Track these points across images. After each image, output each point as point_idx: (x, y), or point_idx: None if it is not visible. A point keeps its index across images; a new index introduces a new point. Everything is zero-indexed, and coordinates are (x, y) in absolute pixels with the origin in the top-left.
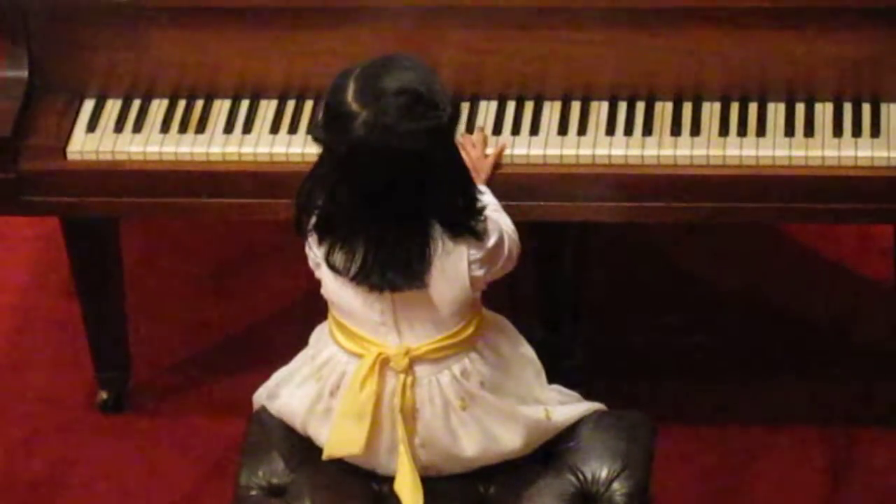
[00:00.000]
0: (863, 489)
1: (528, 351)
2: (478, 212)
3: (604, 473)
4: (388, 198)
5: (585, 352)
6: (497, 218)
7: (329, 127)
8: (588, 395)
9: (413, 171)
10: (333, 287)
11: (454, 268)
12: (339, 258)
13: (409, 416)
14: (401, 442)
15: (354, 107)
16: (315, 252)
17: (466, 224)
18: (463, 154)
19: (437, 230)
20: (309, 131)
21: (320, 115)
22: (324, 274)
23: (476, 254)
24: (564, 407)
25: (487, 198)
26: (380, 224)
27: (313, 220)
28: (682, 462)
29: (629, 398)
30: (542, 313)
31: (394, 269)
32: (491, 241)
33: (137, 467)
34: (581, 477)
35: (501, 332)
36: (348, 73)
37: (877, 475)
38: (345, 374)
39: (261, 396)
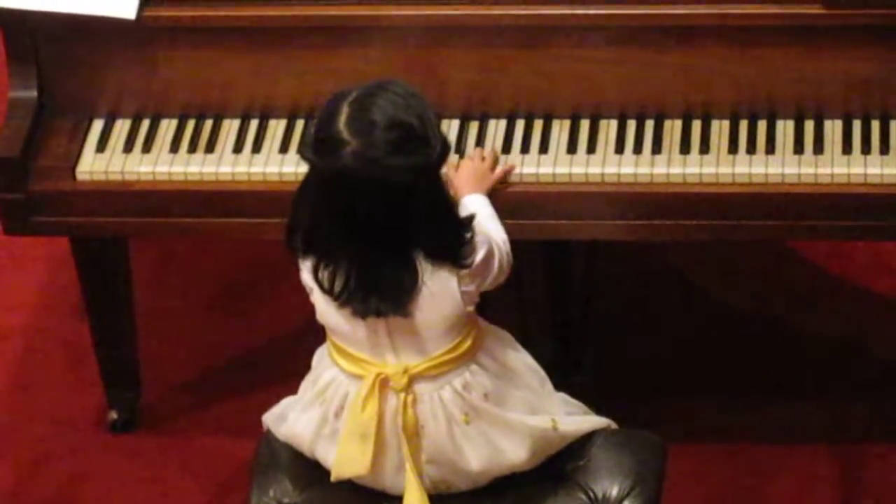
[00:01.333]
0: None
1: (530, 359)
2: (464, 240)
3: (614, 492)
4: (371, 226)
5: (596, 369)
6: (488, 229)
7: (318, 149)
8: (598, 413)
9: (397, 203)
10: (326, 311)
11: (443, 288)
12: (325, 275)
13: (413, 434)
14: (406, 461)
15: (345, 135)
16: (305, 270)
17: (451, 255)
18: (468, 162)
19: (421, 258)
20: (298, 150)
21: (311, 132)
22: (316, 299)
23: (464, 271)
24: (572, 418)
25: (483, 208)
26: (362, 249)
27: (301, 233)
28: (693, 481)
29: (640, 416)
30: (552, 330)
31: (377, 295)
32: (479, 257)
33: (148, 487)
34: (591, 495)
35: (501, 342)
36: (343, 97)
37: (890, 492)
38: (347, 396)
39: (268, 420)
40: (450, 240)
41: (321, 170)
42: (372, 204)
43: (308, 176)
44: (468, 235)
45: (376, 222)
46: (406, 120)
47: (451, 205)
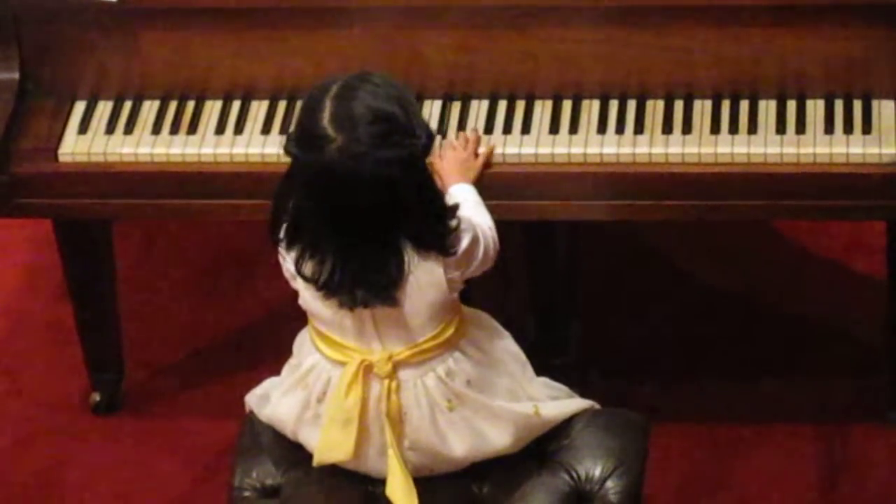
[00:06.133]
0: (857, 485)
1: (512, 345)
2: (450, 227)
3: (598, 472)
4: (357, 219)
5: (579, 349)
6: (473, 216)
7: (302, 144)
8: (582, 393)
9: (384, 195)
10: (310, 298)
11: (429, 275)
12: (308, 267)
13: (396, 420)
14: (390, 446)
15: (329, 130)
16: (288, 261)
17: (438, 243)
18: (451, 151)
19: (408, 247)
20: (284, 147)
21: (293, 128)
22: (299, 285)
23: (450, 259)
24: (554, 402)
25: (469, 195)
26: (348, 241)
27: (285, 226)
28: (677, 460)
29: (622, 396)
30: (535, 311)
31: (363, 287)
32: (464, 244)
33: (131, 469)
34: (575, 475)
35: (483, 329)
36: (325, 91)
37: (870, 471)
38: (330, 381)
39: (251, 401)
40: (437, 229)
41: (306, 165)
42: (358, 198)
43: (291, 170)
44: (454, 224)
45: (363, 216)
46: (389, 111)
47: (437, 193)
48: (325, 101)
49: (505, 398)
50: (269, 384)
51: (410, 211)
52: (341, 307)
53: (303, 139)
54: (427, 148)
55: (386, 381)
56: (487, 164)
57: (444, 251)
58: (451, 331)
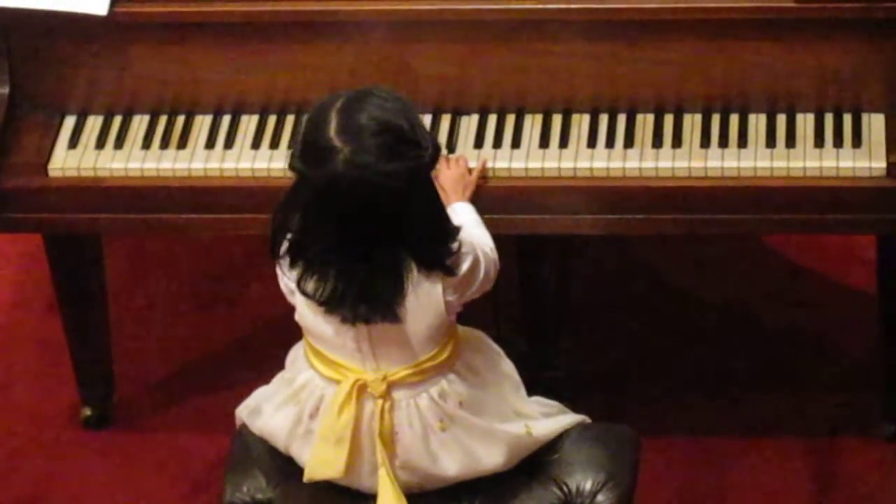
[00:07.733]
0: (848, 499)
1: (506, 366)
2: (452, 248)
3: (588, 486)
4: (363, 232)
5: (569, 364)
6: (474, 237)
7: (307, 159)
8: (572, 407)
9: (389, 207)
10: (308, 315)
11: (428, 297)
12: (310, 285)
13: (388, 439)
14: (381, 465)
15: (336, 142)
16: (287, 277)
17: (440, 261)
18: (443, 173)
19: (411, 264)
20: (288, 164)
21: (298, 144)
22: (297, 301)
23: (450, 280)
24: (546, 420)
25: (469, 215)
26: (352, 257)
27: (286, 244)
28: (667, 474)
29: (613, 410)
30: (525, 325)
31: (366, 303)
32: (464, 267)
33: (121, 484)
34: (565, 489)
35: (478, 351)
36: (329, 106)
37: (860, 485)
38: (323, 398)
39: (242, 413)
40: (440, 246)
41: (313, 179)
42: (364, 210)
43: (296, 187)
44: (456, 245)
45: (368, 230)
46: (395, 123)
47: (442, 208)
48: (331, 114)
49: (497, 419)
50: (259, 395)
51: (415, 225)
52: (343, 323)
53: (309, 153)
54: (434, 160)
55: (379, 401)
56: (483, 178)
57: (447, 270)
58: (446, 352)
